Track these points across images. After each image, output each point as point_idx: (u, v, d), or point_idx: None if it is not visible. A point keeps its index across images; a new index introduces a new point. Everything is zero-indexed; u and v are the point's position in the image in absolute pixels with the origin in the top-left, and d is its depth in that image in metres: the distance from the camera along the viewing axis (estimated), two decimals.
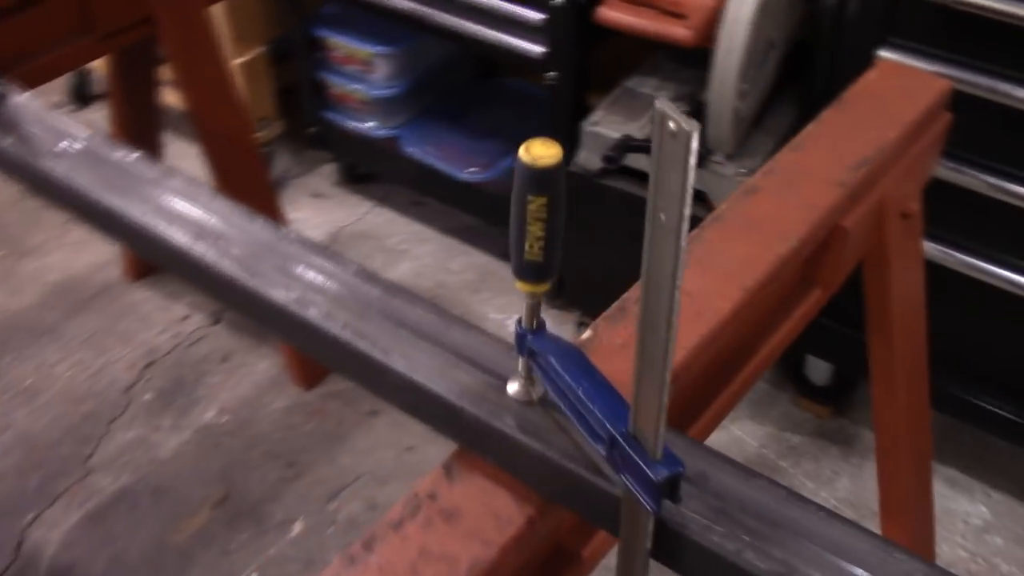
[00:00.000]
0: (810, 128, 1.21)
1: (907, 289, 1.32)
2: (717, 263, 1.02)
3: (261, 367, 2.14)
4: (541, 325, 0.77)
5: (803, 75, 1.78)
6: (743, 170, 1.71)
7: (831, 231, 1.12)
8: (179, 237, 0.97)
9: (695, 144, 0.52)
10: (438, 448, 2.02)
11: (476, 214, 2.38)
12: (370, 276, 0.92)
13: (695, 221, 1.81)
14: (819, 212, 1.09)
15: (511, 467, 0.79)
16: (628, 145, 1.74)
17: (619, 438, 0.68)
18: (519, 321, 0.77)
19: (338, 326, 0.87)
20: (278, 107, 2.57)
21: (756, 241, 1.05)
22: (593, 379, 0.73)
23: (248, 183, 1.89)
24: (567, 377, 0.73)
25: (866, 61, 1.56)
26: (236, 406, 2.06)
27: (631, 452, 0.68)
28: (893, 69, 1.33)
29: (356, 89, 2.36)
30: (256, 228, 0.99)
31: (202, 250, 0.96)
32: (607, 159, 1.75)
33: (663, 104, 0.53)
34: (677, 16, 1.68)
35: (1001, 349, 1.71)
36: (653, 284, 0.59)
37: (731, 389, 1.01)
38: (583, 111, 1.94)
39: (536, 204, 0.69)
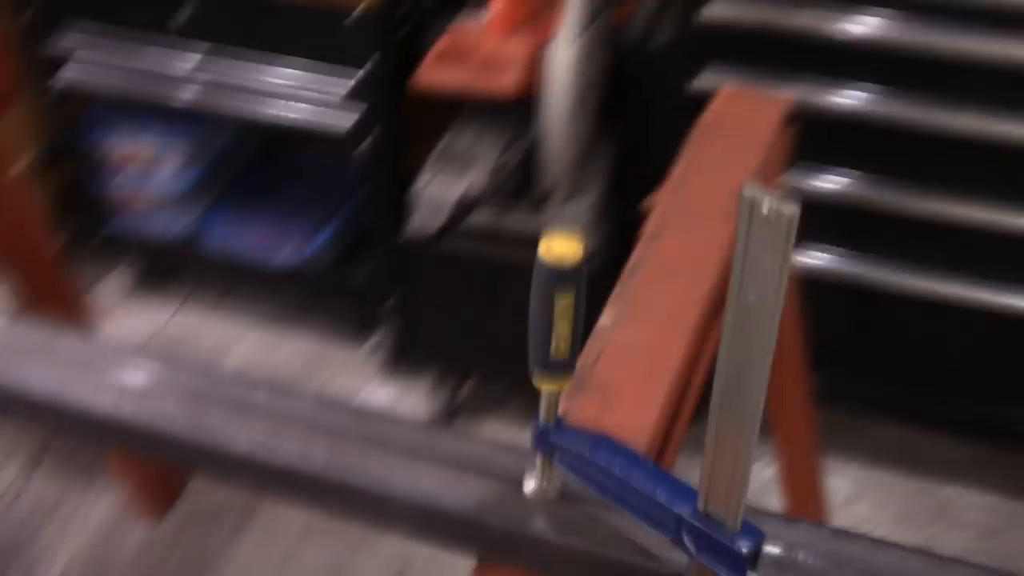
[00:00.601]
0: (682, 164, 1.24)
1: (790, 307, 1.38)
2: (653, 312, 1.02)
3: (100, 507, 1.95)
4: (559, 419, 0.74)
5: (615, 110, 1.84)
6: (582, 210, 1.74)
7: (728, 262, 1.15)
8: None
9: (795, 226, 0.52)
10: (317, 550, 1.93)
11: (293, 297, 2.28)
12: (334, 403, 0.86)
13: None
14: (724, 246, 1.12)
15: (550, 570, 0.75)
16: (468, 203, 1.72)
17: (690, 519, 0.66)
18: (537, 417, 0.74)
19: (319, 464, 0.80)
20: (56, 219, 2.36)
21: (680, 285, 1.06)
22: (639, 463, 0.71)
23: (58, 299, 1.72)
24: (608, 466, 0.71)
25: (680, 91, 1.64)
26: (84, 557, 1.86)
27: (707, 530, 0.66)
28: (735, 95, 1.39)
29: (143, 189, 2.21)
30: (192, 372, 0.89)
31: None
32: (451, 220, 1.72)
33: (753, 189, 0.52)
34: (496, 70, 1.68)
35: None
36: (738, 361, 0.58)
37: (678, 433, 1.02)
38: (400, 176, 1.92)
39: (563, 303, 0.66)
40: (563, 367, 0.70)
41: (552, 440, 0.73)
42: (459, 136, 1.92)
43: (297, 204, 2.31)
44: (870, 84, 1.55)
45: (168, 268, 2.43)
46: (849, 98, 1.56)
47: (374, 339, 2.22)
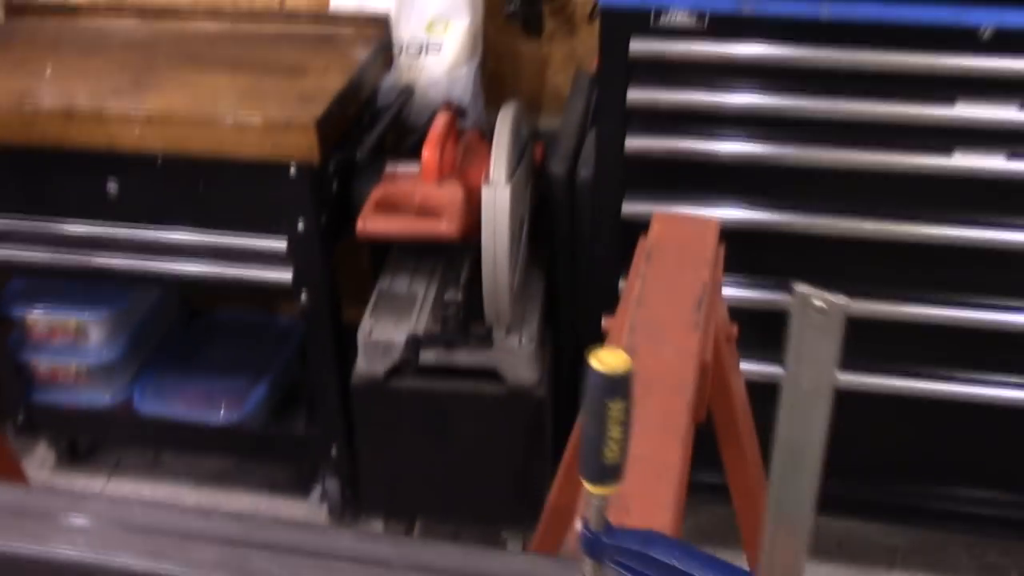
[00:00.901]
0: (637, 283, 1.33)
1: (741, 396, 1.47)
2: (647, 422, 1.09)
3: None
4: (608, 523, 0.79)
5: (546, 241, 1.94)
6: (526, 339, 1.81)
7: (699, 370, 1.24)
8: None
9: (844, 318, 0.60)
10: None
11: (232, 455, 2.26)
12: (371, 535, 0.88)
13: (501, 399, 1.87)
14: (693, 356, 1.20)
15: None
16: (420, 343, 1.77)
17: None
18: (586, 524, 0.78)
19: None
20: None
21: (664, 396, 1.13)
22: (694, 554, 0.76)
23: None
24: (668, 559, 0.76)
25: (609, 218, 1.76)
26: None
27: None
28: (670, 219, 1.50)
29: (69, 362, 2.18)
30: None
31: None
32: (404, 361, 1.77)
33: (803, 288, 0.60)
34: (433, 215, 1.77)
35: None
36: (794, 445, 0.65)
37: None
38: (337, 323, 1.97)
39: (616, 409, 0.72)
40: (615, 472, 0.76)
41: (605, 543, 0.78)
42: (394, 281, 1.99)
43: (228, 362, 2.32)
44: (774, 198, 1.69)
45: (97, 438, 2.37)
46: (759, 212, 1.71)
47: (318, 489, 2.21)
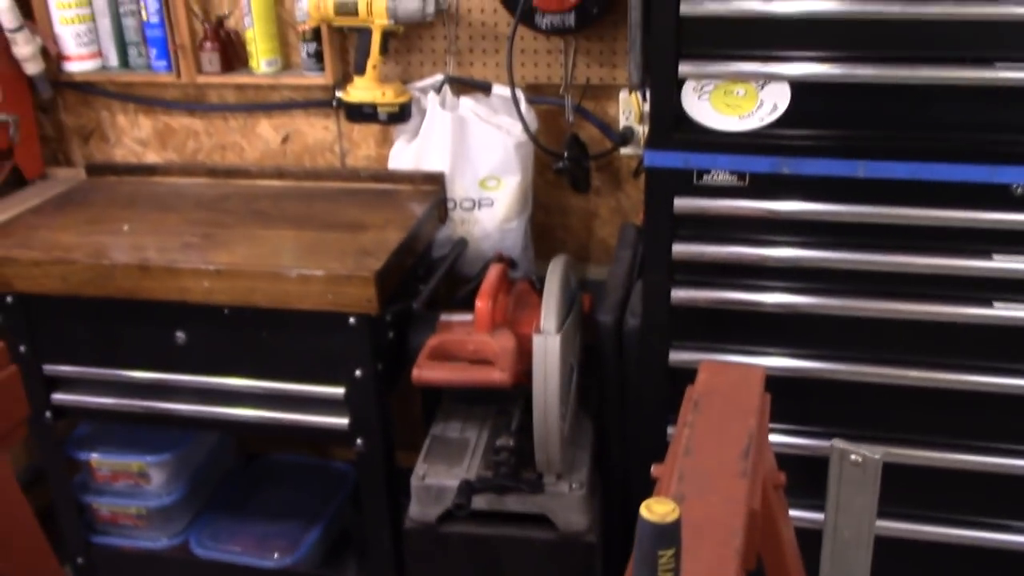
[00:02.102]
0: (684, 432, 1.37)
1: (791, 544, 1.48)
2: (699, 569, 1.11)
3: None
4: None
5: (596, 389, 1.99)
6: (576, 485, 1.84)
7: (748, 518, 1.26)
8: None
9: (880, 471, 0.64)
10: None
11: None
12: None
13: (552, 545, 1.87)
14: (741, 503, 1.23)
15: None
16: (472, 488, 1.81)
17: None
18: None
19: None
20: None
21: (713, 544, 1.15)
22: None
23: None
24: None
25: (657, 366, 1.81)
26: None
27: None
28: (716, 368, 1.55)
29: (130, 505, 2.24)
30: None
31: None
32: (457, 506, 1.80)
33: (840, 444, 0.65)
34: (486, 363, 1.83)
35: None
36: None
37: None
38: (390, 468, 2.02)
39: (666, 557, 0.76)
40: None
41: None
42: (446, 426, 2.04)
43: (282, 505, 2.36)
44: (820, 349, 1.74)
45: None
46: (803, 361, 1.75)
47: None
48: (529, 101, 2.21)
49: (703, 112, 1.63)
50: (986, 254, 1.61)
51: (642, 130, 2.19)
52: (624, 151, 2.23)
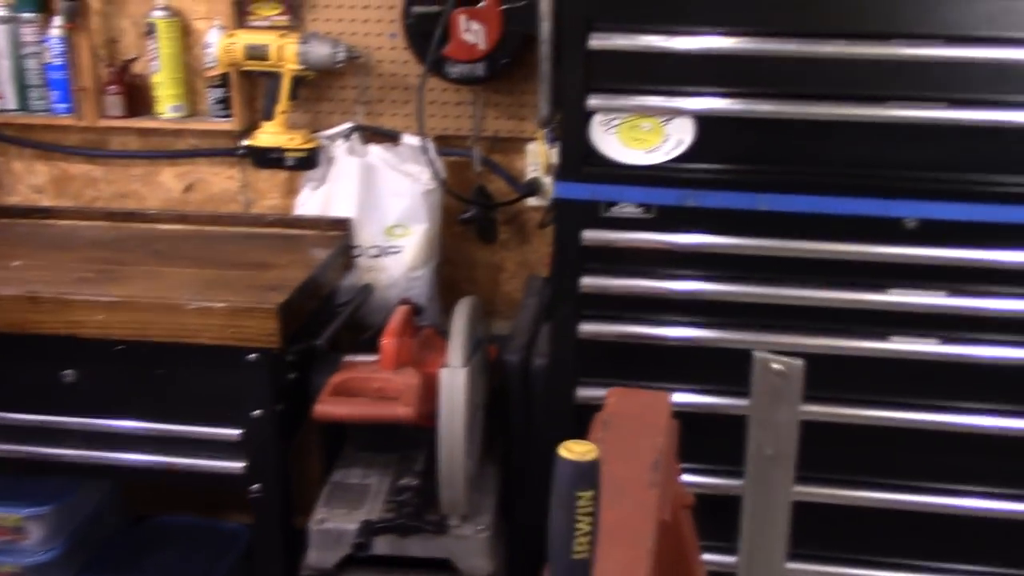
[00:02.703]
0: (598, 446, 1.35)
1: (700, 565, 1.45)
2: (609, 571, 1.08)
3: None
4: None
5: (501, 430, 1.96)
6: (481, 528, 1.79)
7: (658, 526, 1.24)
8: None
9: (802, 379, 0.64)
10: None
11: None
12: None
13: None
14: (651, 511, 1.21)
15: None
16: (373, 528, 1.74)
17: None
18: None
19: None
20: None
21: (625, 547, 1.13)
22: None
23: None
24: None
25: (564, 404, 1.80)
26: None
27: None
28: (624, 392, 1.54)
29: (3, 563, 2.09)
30: None
31: None
32: (357, 546, 1.73)
33: (761, 353, 0.64)
34: (390, 399, 1.79)
35: None
36: (761, 512, 0.67)
37: None
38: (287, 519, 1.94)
39: (585, 498, 0.74)
40: (584, 569, 0.76)
41: None
42: (347, 472, 1.97)
43: (170, 568, 2.24)
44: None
45: None
46: (709, 397, 1.76)
47: None
48: (437, 152, 2.22)
49: (611, 146, 1.67)
50: (881, 288, 1.66)
51: (549, 181, 2.22)
52: (531, 202, 2.25)
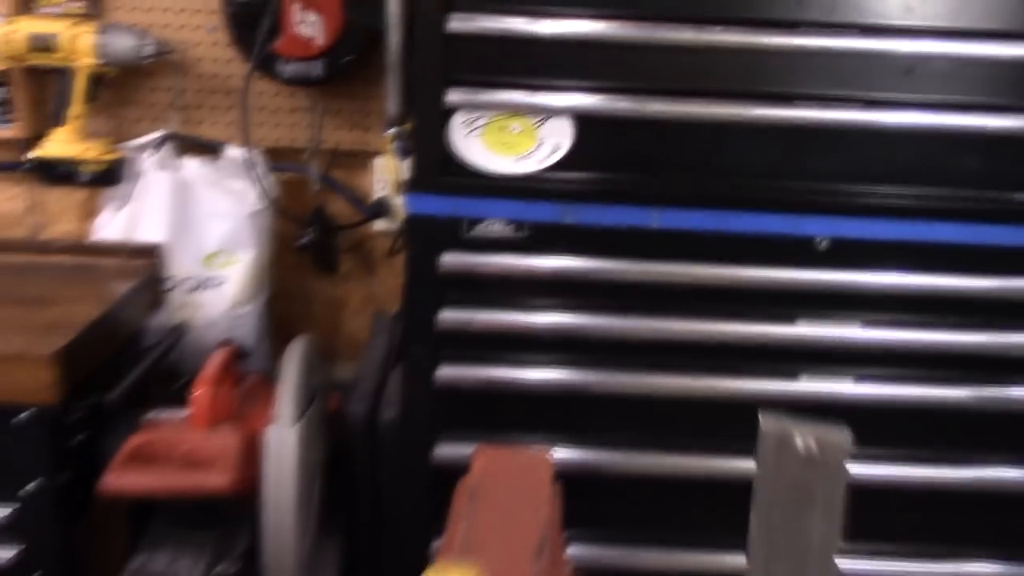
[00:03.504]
0: (462, 527, 1.05)
1: None
2: None
3: None
4: None
5: (339, 499, 1.63)
6: None
7: None
8: None
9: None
10: None
11: None
12: None
13: None
14: None
15: None
16: None
17: None
18: None
19: None
20: None
21: None
22: None
23: None
24: None
25: (419, 464, 1.49)
26: None
27: None
28: (494, 453, 1.25)
29: None
30: None
31: None
32: None
33: (775, 420, 0.36)
34: (202, 466, 1.44)
35: None
36: None
37: None
38: None
39: None
40: None
41: None
42: (150, 558, 1.60)
43: None
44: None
45: None
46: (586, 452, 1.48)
47: None
48: (268, 168, 1.89)
49: (474, 151, 1.38)
50: (790, 319, 1.42)
51: (400, 201, 1.92)
52: (378, 226, 1.94)
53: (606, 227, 1.38)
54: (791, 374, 1.44)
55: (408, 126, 1.41)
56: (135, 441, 1.50)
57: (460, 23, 1.33)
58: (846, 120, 1.35)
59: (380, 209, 1.92)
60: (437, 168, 1.38)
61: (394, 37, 1.39)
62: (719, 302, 1.42)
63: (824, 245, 1.38)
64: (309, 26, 1.76)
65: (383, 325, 1.90)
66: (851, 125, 1.36)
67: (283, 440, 1.41)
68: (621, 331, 1.43)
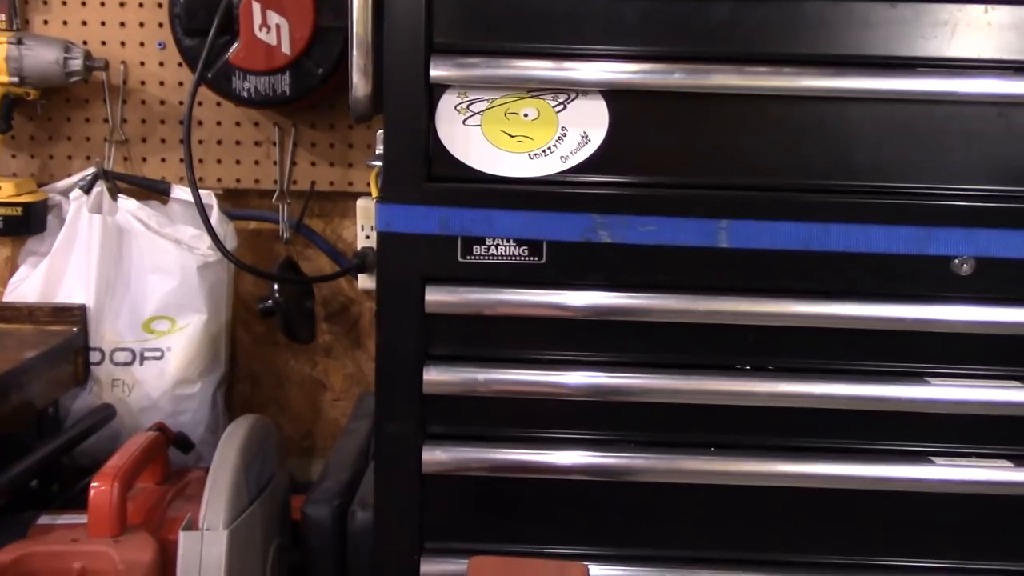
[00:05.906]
0: None
1: None
2: None
3: None
4: None
5: None
6: None
7: None
8: None
9: None
10: None
11: None
12: None
13: None
14: None
15: None
16: None
17: None
18: None
19: None
20: None
21: None
22: None
23: None
24: None
25: None
26: None
27: None
28: (501, 566, 0.83)
29: None
30: None
31: None
32: None
33: None
34: None
35: None
36: None
37: None
38: None
39: None
40: None
41: None
42: None
43: None
44: None
45: None
46: None
47: None
48: (227, 214, 1.53)
49: (472, 145, 1.00)
50: (918, 376, 1.01)
51: None
52: (363, 284, 1.55)
53: (654, 247, 0.99)
54: (927, 461, 1.02)
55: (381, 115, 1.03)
56: (12, 554, 1.10)
57: None
58: (999, 93, 0.97)
59: (366, 263, 1.54)
60: (419, 169, 1.00)
61: None
62: (816, 352, 1.01)
63: (966, 269, 0.98)
64: (273, 31, 1.42)
65: (367, 406, 1.50)
66: (1007, 99, 0.97)
67: (205, 552, 1.00)
68: (677, 393, 1.02)
